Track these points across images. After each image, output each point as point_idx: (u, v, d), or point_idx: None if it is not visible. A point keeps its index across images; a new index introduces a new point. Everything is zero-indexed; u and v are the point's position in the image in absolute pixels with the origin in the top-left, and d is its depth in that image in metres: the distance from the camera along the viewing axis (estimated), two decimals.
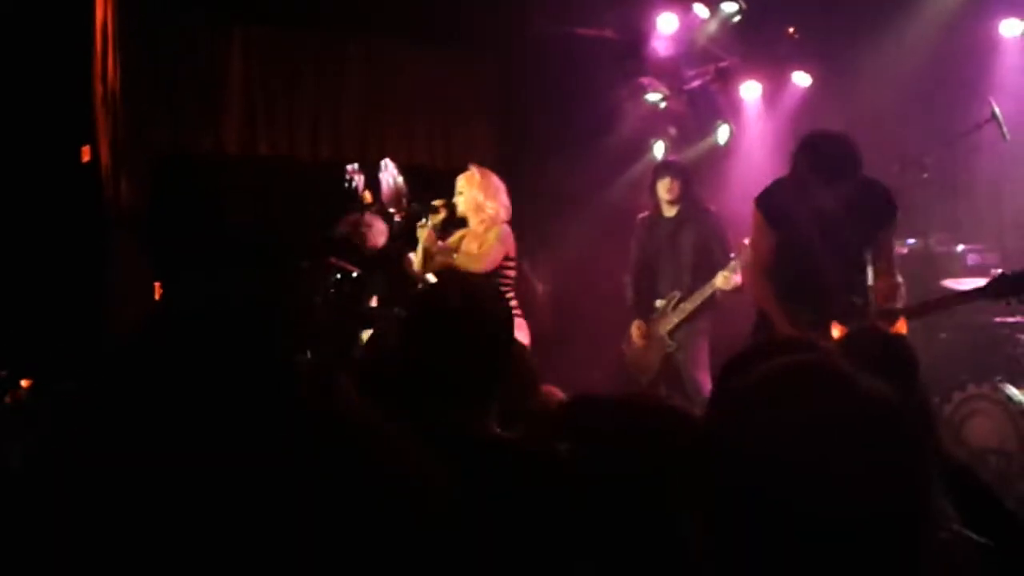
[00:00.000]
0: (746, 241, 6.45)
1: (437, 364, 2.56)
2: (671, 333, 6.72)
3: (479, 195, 6.17)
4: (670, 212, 6.75)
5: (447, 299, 2.62)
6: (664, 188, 6.70)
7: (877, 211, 5.04)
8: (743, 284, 6.41)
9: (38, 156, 6.91)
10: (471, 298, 2.61)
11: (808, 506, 1.28)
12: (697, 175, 7.11)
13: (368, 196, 7.85)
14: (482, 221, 6.16)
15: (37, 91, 6.65)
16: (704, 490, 1.38)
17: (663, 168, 6.85)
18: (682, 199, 6.70)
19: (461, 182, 6.28)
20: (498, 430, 2.64)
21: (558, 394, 3.83)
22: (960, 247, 6.80)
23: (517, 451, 2.54)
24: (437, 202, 6.37)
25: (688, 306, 6.66)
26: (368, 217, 6.87)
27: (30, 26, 6.55)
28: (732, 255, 6.56)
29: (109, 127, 6.68)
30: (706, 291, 6.61)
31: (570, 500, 2.10)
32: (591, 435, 2.04)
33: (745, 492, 1.32)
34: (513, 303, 6.06)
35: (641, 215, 6.89)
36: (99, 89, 6.55)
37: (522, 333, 5.94)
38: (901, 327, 4.88)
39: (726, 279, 6.51)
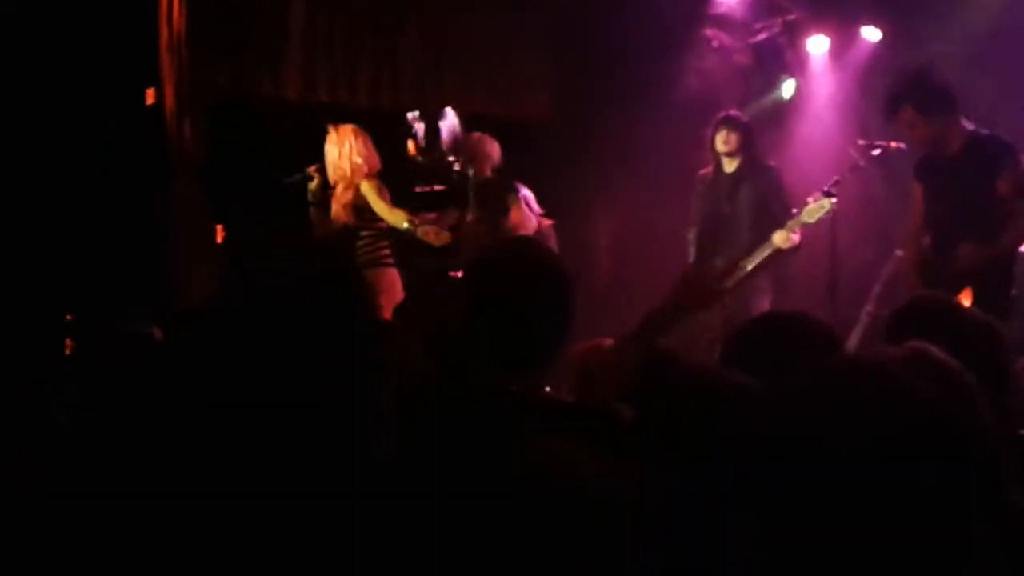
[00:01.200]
0: (809, 199, 6.38)
1: (492, 327, 2.53)
2: (730, 293, 6.60)
3: (335, 152, 6.52)
4: (730, 167, 6.63)
5: (507, 260, 2.59)
6: (721, 141, 6.58)
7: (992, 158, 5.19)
8: (801, 243, 6.33)
9: (104, 97, 6.97)
10: (531, 257, 2.58)
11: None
12: (760, 130, 6.99)
13: (412, 146, 7.87)
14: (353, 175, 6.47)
15: (104, 32, 6.69)
16: None
17: (722, 121, 6.68)
18: (741, 153, 6.56)
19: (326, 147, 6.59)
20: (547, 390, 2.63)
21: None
22: None
23: (575, 412, 2.53)
24: (311, 168, 6.61)
25: (747, 265, 6.48)
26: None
27: None
28: (793, 211, 6.44)
29: (174, 70, 6.71)
30: (764, 250, 6.44)
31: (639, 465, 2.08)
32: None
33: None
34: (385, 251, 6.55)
35: (702, 171, 6.79)
36: (164, 32, 6.57)
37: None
38: (966, 296, 4.87)
39: (784, 238, 6.36)
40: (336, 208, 6.59)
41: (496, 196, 7.00)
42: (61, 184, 6.91)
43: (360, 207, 6.54)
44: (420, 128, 8.57)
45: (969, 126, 5.40)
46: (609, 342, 3.76)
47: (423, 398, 2.62)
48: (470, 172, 7.05)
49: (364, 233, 6.58)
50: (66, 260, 6.76)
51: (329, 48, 7.61)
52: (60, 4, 6.78)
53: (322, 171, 6.62)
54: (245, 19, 7.23)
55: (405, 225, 6.44)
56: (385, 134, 8.19)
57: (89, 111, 6.95)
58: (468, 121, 8.13)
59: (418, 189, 8.17)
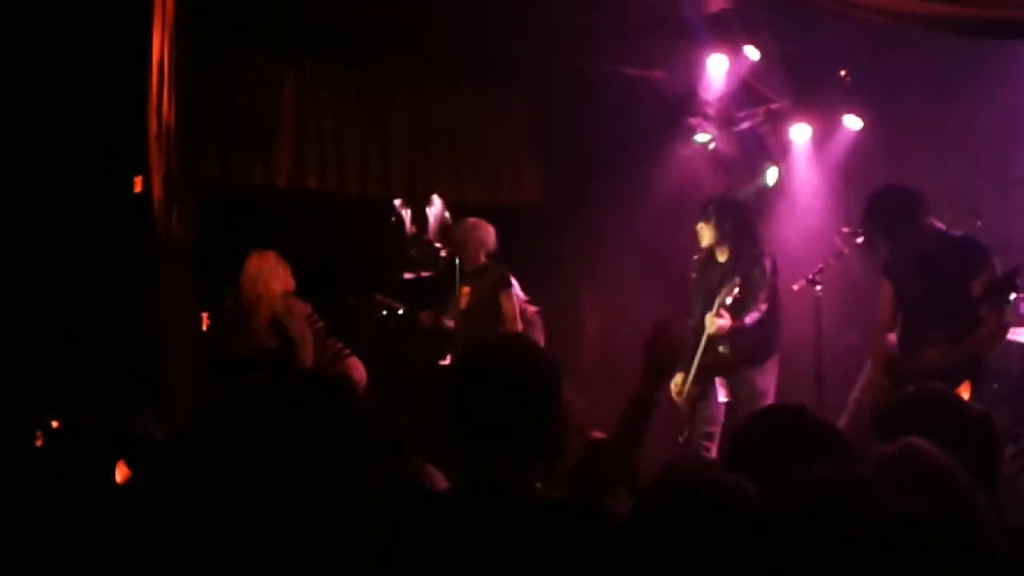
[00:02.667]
0: (794, 287, 6.42)
1: (483, 421, 2.55)
2: (694, 380, 6.45)
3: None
4: (721, 256, 6.54)
5: (496, 359, 2.62)
6: (703, 230, 6.46)
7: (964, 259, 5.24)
8: (731, 328, 6.26)
9: (90, 185, 7.01)
10: (520, 358, 2.61)
11: None
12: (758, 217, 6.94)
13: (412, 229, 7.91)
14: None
15: (92, 123, 6.75)
16: None
17: (705, 207, 6.55)
18: (729, 240, 6.45)
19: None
20: (538, 486, 2.63)
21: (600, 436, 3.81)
22: (1012, 296, 6.70)
23: (564, 509, 2.52)
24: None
25: (698, 353, 6.38)
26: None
27: (87, 59, 6.65)
28: (727, 295, 6.26)
29: (162, 160, 6.75)
30: (701, 338, 6.33)
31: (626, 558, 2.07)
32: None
33: None
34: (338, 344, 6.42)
35: (696, 256, 6.71)
36: (153, 124, 6.63)
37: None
38: (964, 390, 4.88)
39: (711, 322, 6.27)
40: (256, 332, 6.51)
41: (489, 285, 6.95)
42: (45, 269, 6.92)
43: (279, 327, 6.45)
44: (407, 215, 8.64)
45: (940, 226, 5.48)
46: (599, 433, 3.77)
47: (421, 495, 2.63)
48: (456, 260, 7.02)
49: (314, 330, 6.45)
50: (50, 347, 6.74)
51: (318, 137, 7.69)
52: (49, 88, 6.84)
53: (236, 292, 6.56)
54: (235, 110, 7.32)
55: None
56: (374, 221, 8.27)
57: (77, 196, 6.99)
58: (455, 206, 8.21)
59: (406, 276, 8.22)
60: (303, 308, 6.37)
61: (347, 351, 6.37)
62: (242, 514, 1.40)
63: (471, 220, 7.16)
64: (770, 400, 6.37)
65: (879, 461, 2.09)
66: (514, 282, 7.01)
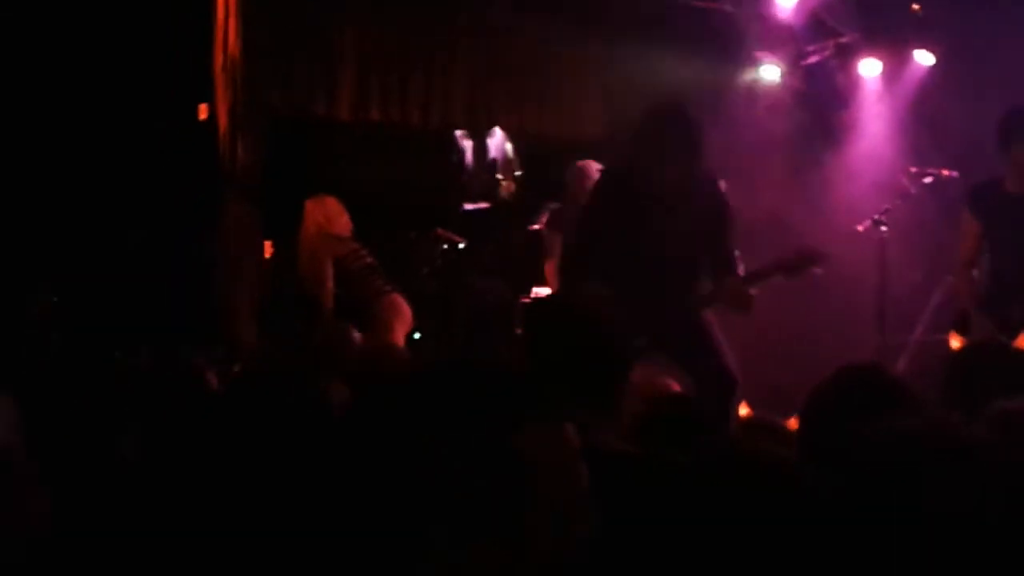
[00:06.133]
0: (859, 227, 6.36)
1: (558, 371, 2.59)
2: None
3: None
4: None
5: (566, 311, 2.65)
6: None
7: None
8: None
9: (158, 113, 7.09)
10: (588, 311, 2.63)
11: None
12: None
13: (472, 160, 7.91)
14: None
15: (161, 58, 6.80)
16: None
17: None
18: None
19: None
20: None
21: (672, 385, 3.82)
22: None
23: (635, 460, 2.55)
24: None
25: None
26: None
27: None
28: None
29: (228, 92, 6.80)
30: None
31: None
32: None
33: None
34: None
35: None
36: (219, 57, 6.67)
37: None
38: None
39: None
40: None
41: None
42: (112, 198, 7.03)
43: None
44: (468, 146, 8.63)
45: None
46: (671, 382, 3.78)
47: None
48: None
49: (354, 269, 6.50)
50: (118, 275, 6.86)
51: (380, 68, 7.67)
52: (117, 23, 6.90)
53: None
54: (298, 41, 7.31)
55: None
56: (435, 151, 8.27)
57: (144, 126, 7.07)
58: (518, 139, 8.19)
59: (467, 206, 8.24)
60: (343, 248, 6.37)
61: (388, 288, 6.31)
62: None
63: (582, 162, 7.09)
64: None
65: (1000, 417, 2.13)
66: None
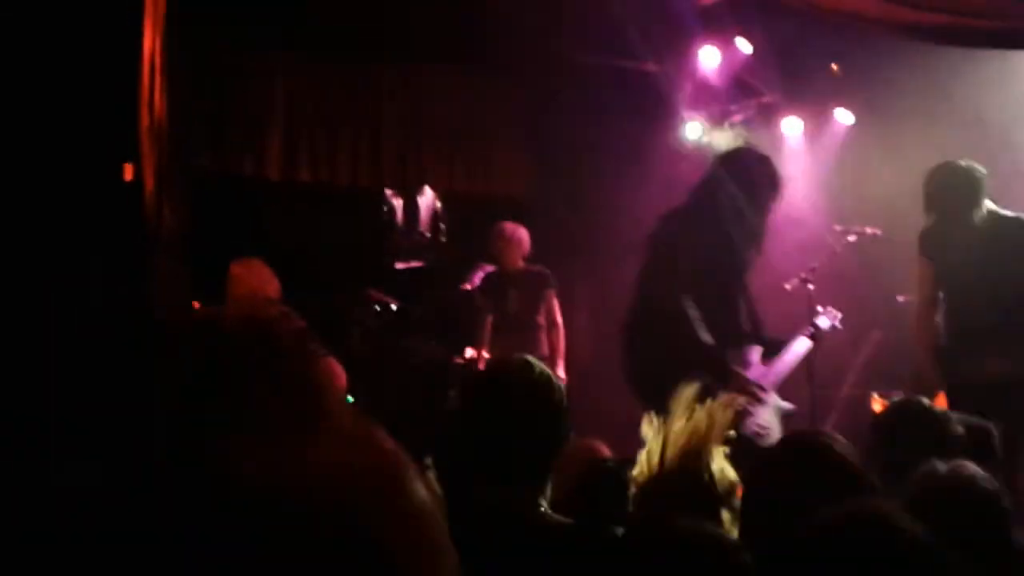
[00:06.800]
0: (787, 285, 6.43)
1: (492, 442, 2.58)
2: None
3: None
4: None
5: (507, 380, 2.64)
6: None
7: None
8: None
9: (82, 174, 6.98)
10: (530, 380, 2.63)
11: None
12: None
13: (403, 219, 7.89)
14: None
15: (83, 116, 6.71)
16: None
17: None
18: None
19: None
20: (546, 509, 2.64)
21: (603, 451, 3.82)
22: None
23: (572, 532, 2.54)
24: None
25: None
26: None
27: (78, 53, 6.61)
28: None
29: (154, 152, 6.73)
30: None
31: None
32: None
33: None
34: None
35: None
36: (145, 117, 6.60)
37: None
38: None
39: None
40: None
41: (536, 288, 7.11)
42: (35, 259, 6.90)
43: None
44: (399, 205, 8.63)
45: (989, 203, 5.21)
46: (602, 445, 3.78)
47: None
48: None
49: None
50: (44, 340, 6.73)
51: (310, 129, 7.67)
52: (41, 81, 6.80)
53: None
54: (226, 102, 7.30)
55: None
56: (365, 212, 8.25)
57: (69, 186, 6.97)
58: (447, 197, 8.20)
59: (398, 266, 8.20)
60: (272, 312, 6.23)
61: (321, 351, 6.22)
62: None
63: (508, 225, 7.21)
64: None
65: (927, 481, 2.16)
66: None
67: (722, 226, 4.90)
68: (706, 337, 4.73)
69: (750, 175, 5.05)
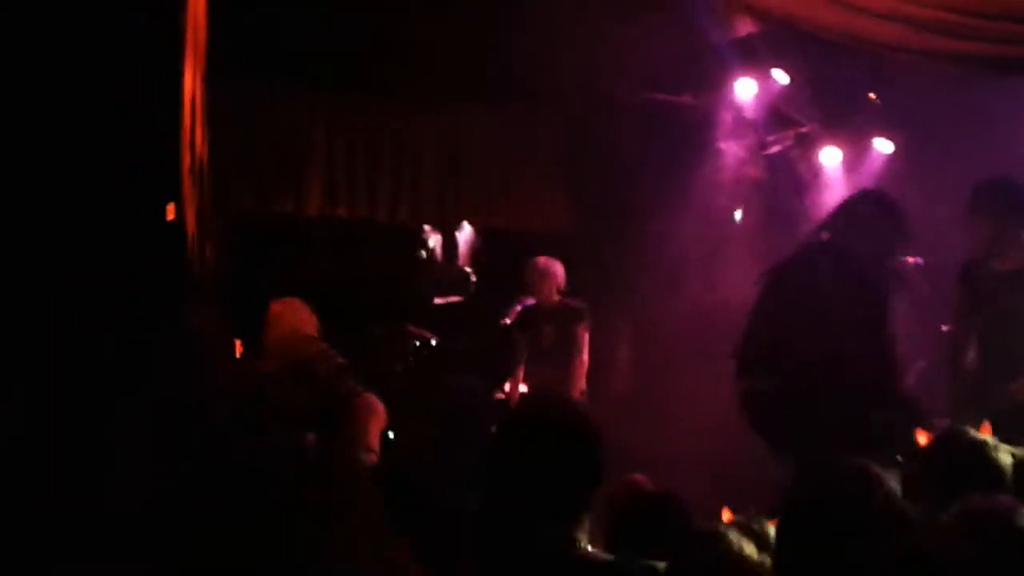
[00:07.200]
0: None
1: (528, 478, 2.57)
2: None
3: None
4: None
5: (544, 416, 2.64)
6: None
7: None
8: None
9: (125, 215, 7.07)
10: (568, 415, 2.63)
11: None
12: None
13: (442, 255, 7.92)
14: None
15: (127, 157, 6.81)
16: None
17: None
18: None
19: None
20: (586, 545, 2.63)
21: (645, 485, 3.80)
22: None
23: (613, 569, 2.53)
24: None
25: None
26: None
27: (121, 94, 6.72)
28: None
29: (195, 192, 6.81)
30: None
31: None
32: None
33: None
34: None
35: None
36: (187, 158, 6.69)
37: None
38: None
39: None
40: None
41: (572, 322, 7.13)
42: (79, 299, 6.97)
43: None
44: (437, 242, 8.67)
45: None
46: (644, 480, 3.77)
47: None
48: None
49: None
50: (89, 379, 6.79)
51: (348, 167, 7.74)
52: (85, 123, 6.91)
53: None
54: (266, 142, 7.39)
55: None
56: (404, 247, 8.31)
57: (112, 226, 7.05)
58: (486, 233, 8.24)
59: (437, 301, 8.24)
60: (312, 349, 6.09)
61: (360, 388, 5.98)
62: None
63: (542, 259, 7.24)
64: None
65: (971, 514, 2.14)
66: None
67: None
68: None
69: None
